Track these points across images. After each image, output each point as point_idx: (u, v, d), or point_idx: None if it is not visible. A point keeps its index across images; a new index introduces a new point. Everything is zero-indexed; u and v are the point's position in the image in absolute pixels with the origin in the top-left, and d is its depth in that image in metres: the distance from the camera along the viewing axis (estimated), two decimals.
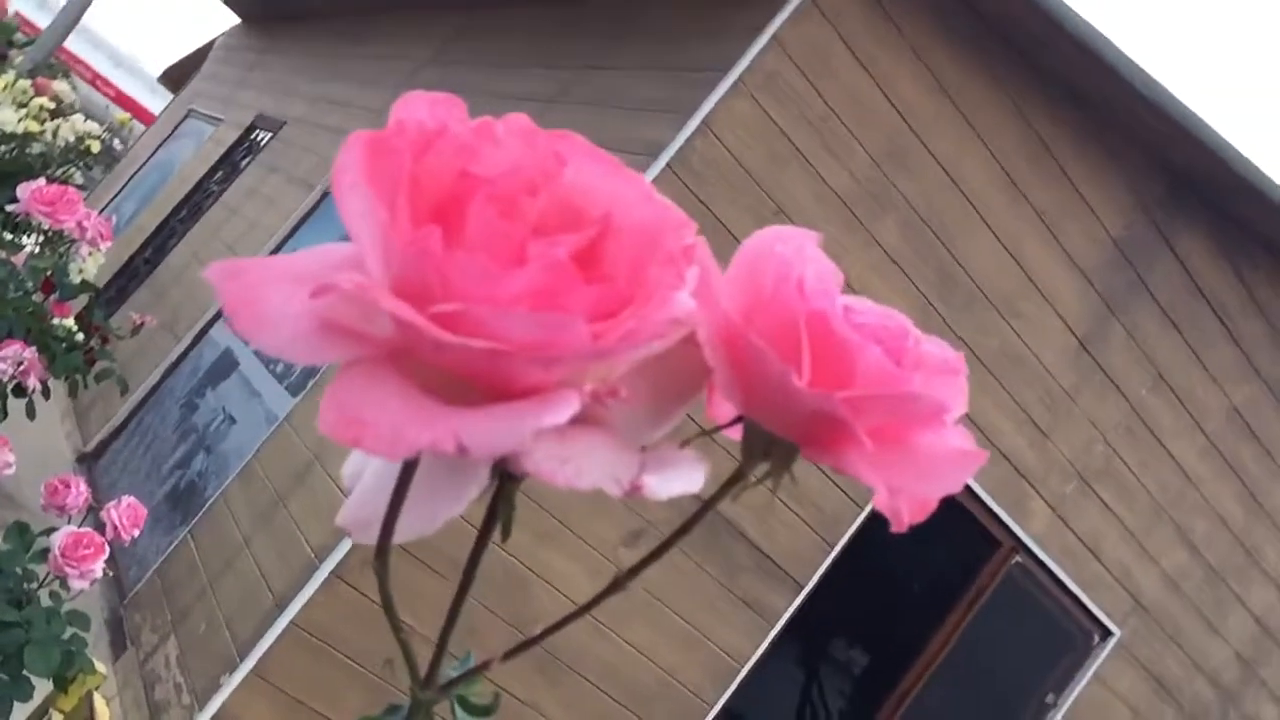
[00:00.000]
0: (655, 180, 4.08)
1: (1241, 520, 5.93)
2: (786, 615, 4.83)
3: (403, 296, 0.38)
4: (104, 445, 6.88)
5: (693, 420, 0.50)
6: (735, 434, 0.50)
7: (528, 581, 4.20)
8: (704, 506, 0.51)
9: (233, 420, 5.65)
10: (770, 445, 0.49)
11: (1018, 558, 5.35)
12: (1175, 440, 5.59)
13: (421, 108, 0.42)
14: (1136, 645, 5.77)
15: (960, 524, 5.32)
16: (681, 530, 0.53)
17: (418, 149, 0.40)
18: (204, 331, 6.92)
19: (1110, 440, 5.40)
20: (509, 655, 0.54)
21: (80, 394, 3.42)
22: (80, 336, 2.85)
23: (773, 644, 4.85)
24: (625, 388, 0.43)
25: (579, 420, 0.43)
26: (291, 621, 3.95)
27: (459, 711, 0.57)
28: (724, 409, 0.50)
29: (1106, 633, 5.69)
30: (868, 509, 4.86)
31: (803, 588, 4.83)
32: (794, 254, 0.48)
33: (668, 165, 4.12)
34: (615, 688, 4.56)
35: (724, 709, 4.82)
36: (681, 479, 0.45)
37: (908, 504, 0.47)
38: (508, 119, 0.43)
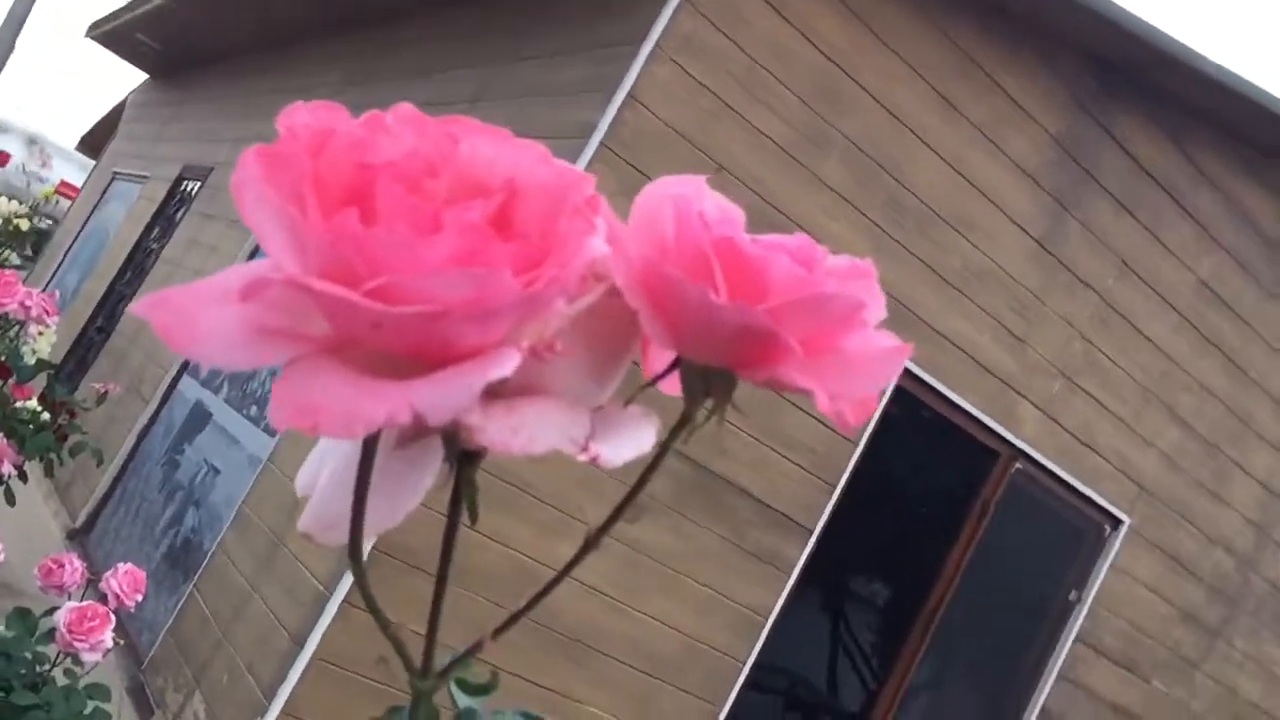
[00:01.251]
0: (592, 159, 4.09)
1: (1228, 389, 5.99)
2: (801, 562, 4.86)
3: (330, 279, 0.38)
4: (92, 518, 6.85)
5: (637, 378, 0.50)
6: (673, 387, 0.52)
7: (538, 575, 4.20)
8: (659, 453, 0.51)
9: (216, 470, 5.63)
10: (708, 379, 0.50)
11: (1017, 465, 5.39)
12: (1149, 323, 5.64)
13: (306, 114, 0.42)
14: (1147, 528, 5.83)
15: (956, 442, 5.35)
16: (640, 483, 0.54)
17: (313, 150, 0.41)
18: (171, 389, 6.90)
19: (1086, 334, 5.44)
20: (499, 632, 0.55)
21: (58, 472, 3.40)
22: (46, 415, 2.83)
23: (792, 592, 4.88)
24: (563, 344, 0.44)
25: (525, 391, 0.45)
26: (313, 656, 3.95)
27: (458, 694, 0.58)
28: (658, 363, 0.52)
29: (1116, 522, 5.75)
30: (862, 444, 4.89)
31: (812, 532, 4.86)
32: (690, 192, 0.49)
33: (601, 144, 4.12)
34: (644, 661, 4.58)
35: (756, 663, 4.85)
36: (632, 442, 0.46)
37: (848, 406, 0.48)
38: (395, 109, 0.44)
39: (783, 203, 4.50)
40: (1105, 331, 5.51)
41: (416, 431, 0.46)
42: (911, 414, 5.25)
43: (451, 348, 0.40)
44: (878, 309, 0.50)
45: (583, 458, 0.44)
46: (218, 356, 0.40)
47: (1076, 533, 5.81)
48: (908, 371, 4.92)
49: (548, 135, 4.46)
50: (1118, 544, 5.76)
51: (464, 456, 0.47)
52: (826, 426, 4.77)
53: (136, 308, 0.39)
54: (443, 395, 0.38)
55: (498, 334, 0.40)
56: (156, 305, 0.39)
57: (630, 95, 4.18)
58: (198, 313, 0.40)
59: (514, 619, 0.56)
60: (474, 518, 0.50)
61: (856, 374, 0.49)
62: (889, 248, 4.79)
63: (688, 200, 0.48)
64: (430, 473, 0.47)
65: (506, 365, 0.40)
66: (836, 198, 4.66)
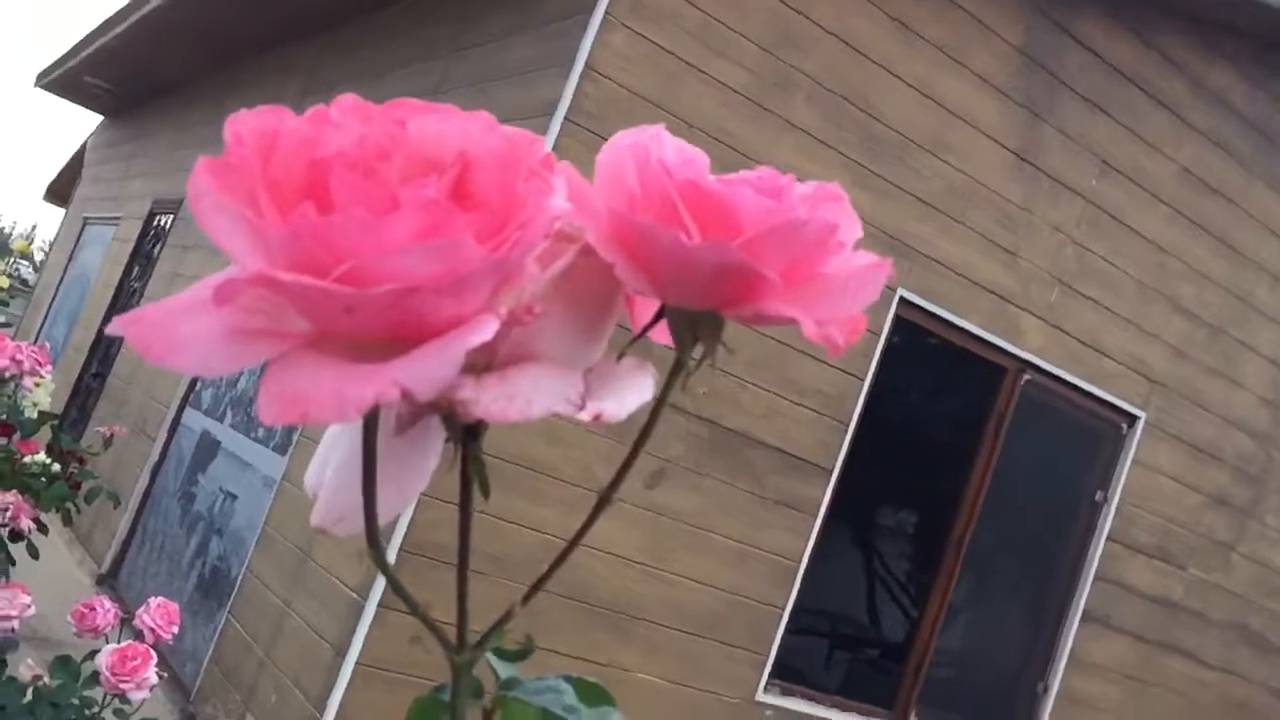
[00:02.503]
0: (559, 135, 4.08)
1: (1225, 271, 5.99)
2: (825, 502, 4.87)
3: (299, 272, 0.39)
4: (118, 561, 6.88)
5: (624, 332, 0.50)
6: (663, 336, 0.52)
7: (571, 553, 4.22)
8: (655, 409, 0.52)
9: (233, 496, 5.65)
10: (695, 323, 0.50)
11: (1026, 377, 5.40)
12: (1138, 217, 5.63)
13: (251, 119, 0.42)
14: (1164, 421, 5.85)
15: (962, 363, 5.37)
16: (644, 434, 0.53)
17: (262, 153, 0.41)
18: (175, 423, 6.91)
19: (1076, 238, 5.44)
20: (527, 598, 0.55)
21: (76, 520, 3.42)
22: (56, 466, 2.83)
23: (821, 533, 4.89)
24: (541, 307, 0.44)
25: (516, 360, 0.46)
26: (356, 663, 3.97)
27: (496, 662, 0.59)
28: (644, 314, 0.52)
29: (1132, 418, 5.76)
30: (869, 379, 4.89)
31: (831, 472, 4.87)
32: (650, 141, 0.49)
33: (566, 118, 4.11)
34: (686, 622, 4.61)
35: (795, 608, 4.87)
36: (633, 391, 0.46)
37: (836, 329, 0.48)
38: (336, 101, 0.44)
39: (756, 152, 4.49)
40: (1095, 232, 5.51)
41: (412, 413, 0.47)
42: (914, 342, 5.25)
43: (429, 323, 0.40)
44: (852, 229, 0.50)
45: (585, 416, 0.44)
46: (197, 364, 0.40)
47: (1094, 435, 5.82)
48: (905, 300, 4.92)
49: (511, 116, 4.45)
50: (1136, 440, 5.78)
51: (466, 432, 0.48)
52: (833, 367, 4.78)
53: (113, 327, 0.40)
54: (427, 367, 0.38)
55: (473, 304, 0.40)
56: (132, 322, 0.40)
57: (588, 66, 4.17)
58: (174, 324, 0.40)
59: (538, 585, 0.56)
60: (485, 492, 0.50)
61: (839, 296, 0.49)
62: (869, 181, 4.78)
63: (646, 149, 0.48)
64: (434, 453, 0.47)
65: (485, 331, 0.40)
66: (809, 139, 4.65)
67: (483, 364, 0.47)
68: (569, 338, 0.48)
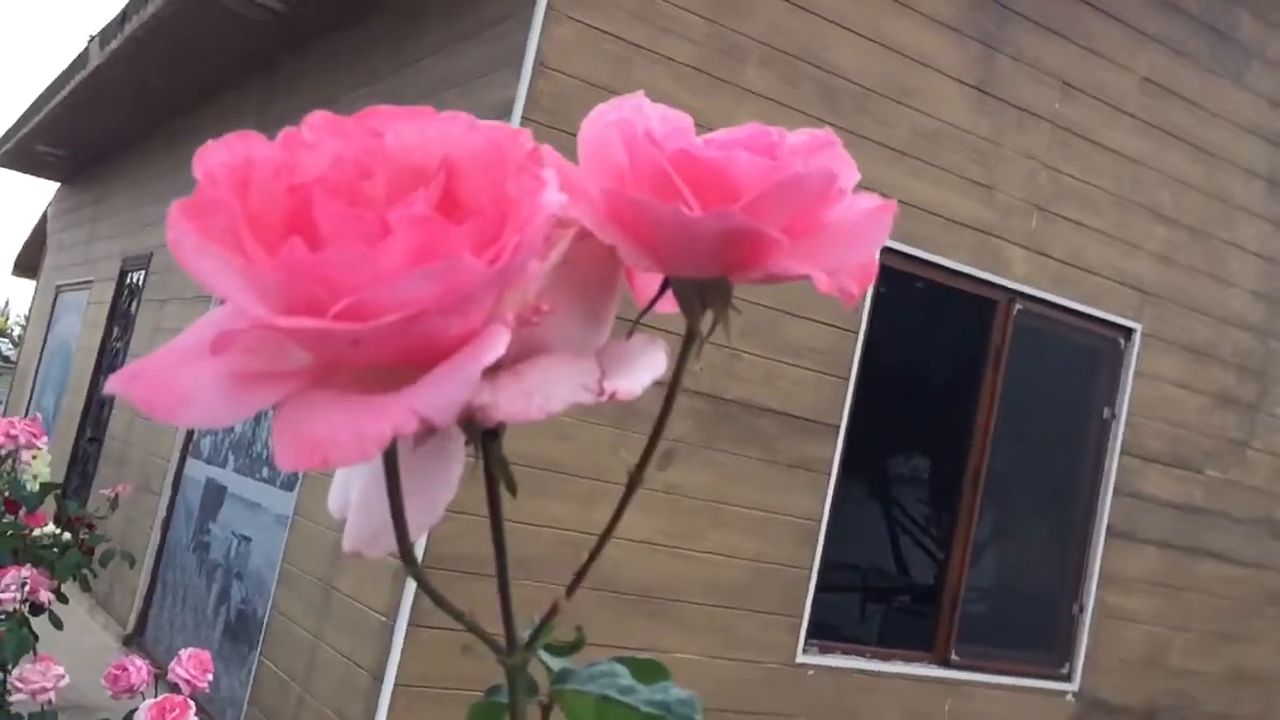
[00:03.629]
0: None
1: (1199, 174, 5.99)
2: (837, 459, 4.87)
3: (298, 315, 0.37)
4: (142, 620, 6.87)
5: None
6: (669, 306, 0.51)
7: (593, 544, 4.21)
8: (674, 381, 0.51)
9: (247, 539, 5.64)
10: (703, 291, 0.49)
11: (1018, 307, 5.39)
12: (1105, 133, 5.63)
13: (220, 152, 0.41)
14: (1160, 329, 5.85)
15: (953, 302, 5.37)
16: (665, 411, 0.52)
17: (237, 189, 0.39)
18: (178, 475, 6.90)
19: (1048, 163, 5.44)
20: (571, 591, 0.55)
21: (94, 585, 3.41)
22: (66, 535, 2.83)
23: (837, 490, 4.90)
24: (547, 302, 0.44)
25: (524, 356, 0.44)
26: (395, 684, 3.97)
27: (549, 658, 0.58)
28: (648, 288, 0.51)
29: (1128, 332, 5.77)
30: (863, 331, 4.89)
31: (838, 428, 4.87)
32: (632, 113, 0.48)
33: (524, 117, 4.10)
34: (718, 596, 4.61)
35: (822, 567, 4.87)
36: (646, 367, 0.45)
37: (848, 278, 0.47)
38: (307, 120, 0.42)
39: (716, 123, 4.43)
40: (1066, 154, 5.50)
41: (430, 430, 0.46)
42: (903, 289, 5.25)
43: (438, 343, 0.39)
44: (850, 174, 0.48)
45: (603, 399, 0.43)
46: (205, 416, 0.38)
47: (1093, 354, 5.82)
48: (889, 249, 4.91)
49: None
50: (1135, 352, 5.78)
51: (487, 435, 0.47)
52: (825, 325, 4.77)
53: (111, 385, 0.38)
54: (443, 393, 0.37)
55: (479, 316, 0.39)
56: (132, 379, 0.38)
57: (539, 63, 4.15)
58: (174, 377, 0.39)
59: (580, 577, 0.57)
60: (513, 490, 0.50)
61: (848, 244, 0.47)
62: (838, 137, 4.76)
63: (631, 123, 0.46)
64: (458, 460, 0.46)
65: (498, 345, 0.38)
66: (767, 103, 4.63)
67: (495, 362, 0.46)
68: (576, 324, 0.47)
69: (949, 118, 5.13)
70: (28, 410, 11.69)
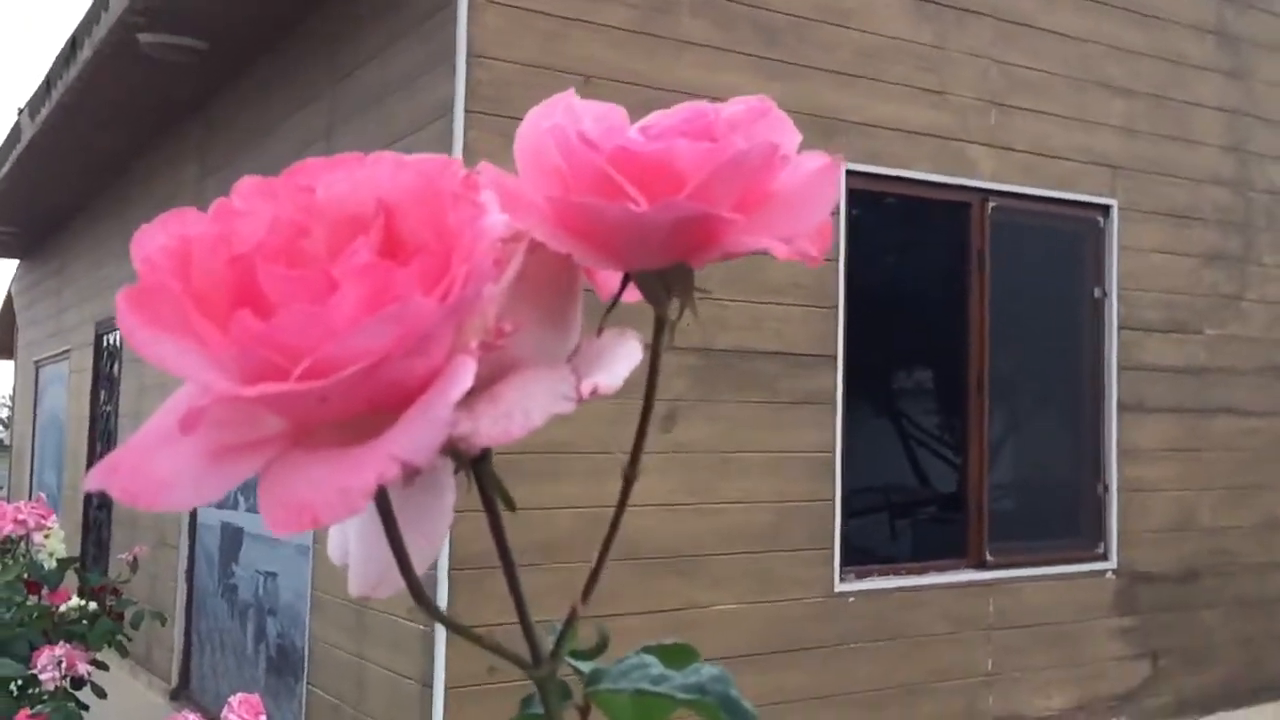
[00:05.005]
0: (467, 129, 4.05)
1: (1148, 40, 5.97)
2: (839, 388, 4.87)
3: (260, 383, 0.37)
4: (184, 673, 6.90)
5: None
6: (635, 295, 0.51)
7: (610, 517, 4.22)
8: (652, 370, 0.50)
9: (272, 575, 5.66)
10: (665, 280, 0.49)
11: (991, 204, 5.38)
12: (1048, 16, 5.61)
13: (156, 235, 0.41)
14: (1136, 201, 5.85)
15: (926, 212, 5.37)
16: (648, 399, 0.52)
17: (179, 270, 0.39)
18: (193, 525, 6.90)
19: (996, 57, 5.42)
20: (586, 594, 0.56)
21: (131, 648, 3.42)
22: (93, 605, 2.84)
23: (845, 418, 4.90)
24: (509, 321, 0.44)
25: (498, 376, 0.45)
26: (445, 688, 3.99)
27: (576, 664, 0.58)
28: (610, 283, 0.51)
29: (1105, 209, 5.77)
30: (843, 257, 4.88)
31: (835, 357, 4.87)
32: (563, 117, 0.47)
33: (467, 111, 4.08)
34: (745, 543, 4.63)
35: (844, 494, 4.88)
36: (622, 359, 0.46)
37: (808, 242, 0.47)
38: (236, 188, 0.42)
39: (664, 81, 4.45)
40: (1012, 44, 5.47)
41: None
42: (875, 209, 5.24)
43: (405, 385, 0.39)
44: (791, 138, 0.48)
45: (586, 398, 0.44)
46: (190, 497, 0.38)
47: (1074, 237, 5.82)
48: (851, 172, 4.89)
49: (413, 128, 4.41)
50: (1115, 227, 5.77)
51: (475, 460, 0.47)
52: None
53: (90, 483, 0.38)
54: (419, 434, 0.37)
55: (441, 352, 0.39)
56: (109, 473, 0.38)
57: (472, 54, 4.12)
58: (150, 464, 0.38)
59: (594, 577, 0.57)
60: (510, 506, 0.50)
61: (799, 209, 0.47)
62: (778, 70, 4.75)
63: (563, 129, 0.46)
64: (449, 489, 0.46)
65: (465, 378, 0.38)
66: (706, 50, 4.61)
67: (467, 390, 0.46)
68: (543, 335, 0.47)
69: (890, 31, 5.10)
70: (31, 490, 11.68)
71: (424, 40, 4.43)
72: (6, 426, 14.78)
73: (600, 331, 0.48)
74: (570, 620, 0.55)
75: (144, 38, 5.78)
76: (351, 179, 0.42)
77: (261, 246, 0.39)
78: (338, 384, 0.37)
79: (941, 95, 5.23)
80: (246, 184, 0.41)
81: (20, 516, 2.67)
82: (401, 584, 0.46)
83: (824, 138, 4.82)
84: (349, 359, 0.36)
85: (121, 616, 2.90)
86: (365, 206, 0.41)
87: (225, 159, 6.71)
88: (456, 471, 0.47)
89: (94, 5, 6.16)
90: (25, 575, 2.75)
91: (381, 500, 0.44)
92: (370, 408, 0.39)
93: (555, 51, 4.28)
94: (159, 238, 0.40)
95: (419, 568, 0.46)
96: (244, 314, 0.36)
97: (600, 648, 0.60)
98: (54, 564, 2.78)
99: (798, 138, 0.49)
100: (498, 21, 4.19)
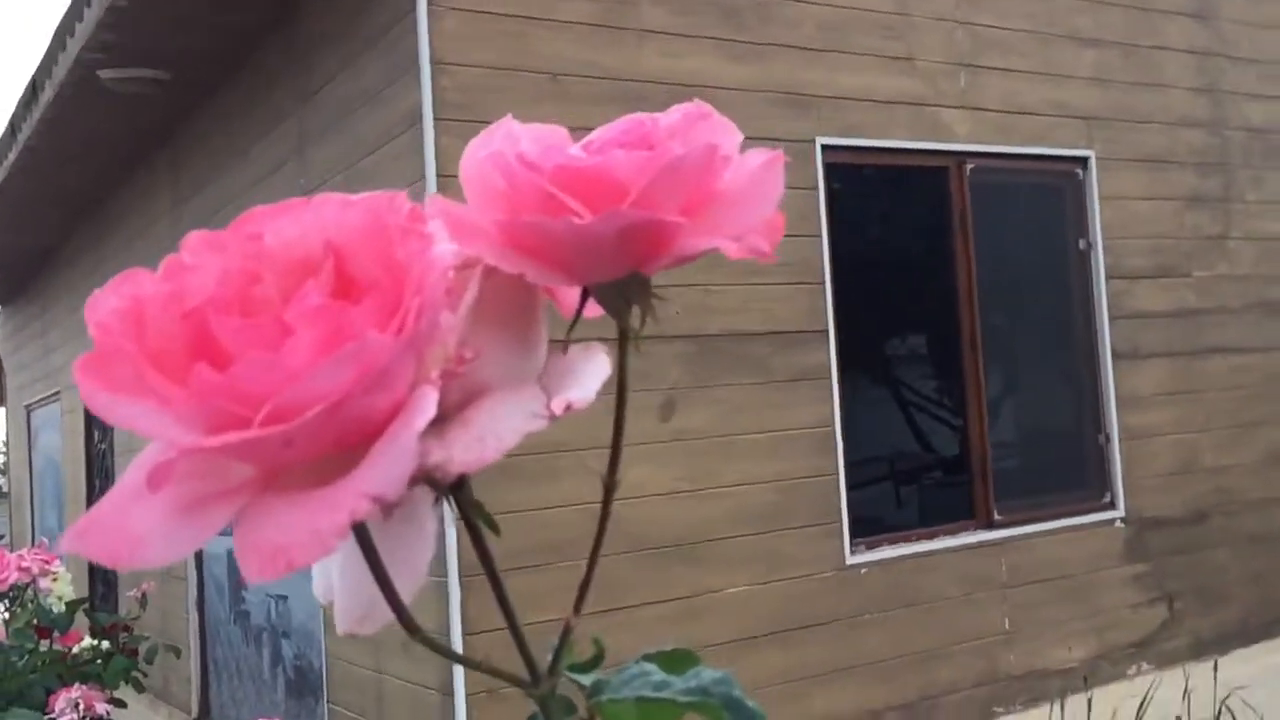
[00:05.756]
0: (438, 137, 4.03)
1: None
2: (833, 362, 4.87)
3: (223, 433, 0.38)
4: (204, 703, 6.92)
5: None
6: (596, 310, 0.51)
7: (615, 512, 4.21)
8: (620, 380, 0.50)
9: (283, 598, 5.66)
10: (623, 290, 0.49)
11: (970, 166, 5.38)
12: None
13: (108, 299, 0.41)
14: (1113, 150, 5.86)
15: (905, 179, 5.38)
16: (620, 401, 0.54)
17: (133, 332, 0.40)
18: (199, 555, 6.89)
19: (961, 18, 5.42)
20: (578, 607, 0.56)
21: (148, 683, 3.42)
22: (105, 644, 2.84)
23: (842, 391, 4.90)
24: (470, 348, 0.44)
25: (468, 402, 0.45)
26: (465, 694, 3.99)
27: (575, 678, 0.59)
28: (571, 299, 0.51)
29: (1083, 161, 5.77)
30: (825, 231, 4.88)
31: (826, 332, 4.87)
32: (502, 143, 0.48)
33: (436, 119, 4.06)
34: (752, 525, 4.63)
35: (847, 466, 4.88)
36: (592, 373, 0.46)
37: (756, 238, 0.47)
38: (184, 243, 0.42)
39: (630, 73, 4.45)
40: (977, 5, 5.47)
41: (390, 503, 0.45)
42: (853, 181, 5.24)
43: (369, 421, 0.39)
44: (731, 137, 0.48)
45: (557, 412, 0.44)
46: (164, 553, 0.38)
47: (1054, 191, 5.82)
48: (827, 147, 4.89)
49: (384, 139, 4.40)
50: (1095, 178, 5.77)
51: (453, 488, 0.47)
52: (787, 236, 4.67)
53: (65, 546, 0.39)
54: (386, 469, 0.37)
55: (402, 385, 0.39)
56: (83, 535, 0.38)
57: (435, 62, 4.11)
58: (123, 524, 0.39)
59: (584, 591, 0.57)
60: (495, 530, 0.50)
61: (746, 206, 0.47)
62: (746, 52, 4.74)
63: (503, 155, 0.46)
64: (430, 519, 0.46)
65: (427, 409, 0.39)
66: (670, 38, 4.60)
67: (439, 416, 0.46)
68: (508, 357, 0.47)
69: (853, 2, 5.09)
70: (34, 535, 11.66)
71: (386, 52, 4.42)
72: (4, 473, 14.74)
73: (566, 348, 0.48)
74: (565, 633, 0.55)
75: (105, 73, 5.75)
76: (298, 223, 0.42)
77: (213, 299, 0.39)
78: (301, 427, 0.37)
79: (910, 62, 5.22)
80: (194, 239, 0.42)
81: (24, 564, 2.67)
82: (389, 616, 0.46)
83: (796, 115, 4.82)
84: (309, 401, 0.37)
85: (135, 652, 2.90)
86: (314, 249, 0.41)
87: (197, 186, 6.69)
88: (436, 501, 0.47)
89: (52, 46, 6.13)
90: (35, 621, 2.75)
91: (361, 535, 0.44)
92: (337, 447, 0.39)
93: (519, 52, 4.27)
94: (111, 301, 0.40)
95: (406, 599, 0.46)
96: (201, 367, 0.37)
97: (597, 660, 0.60)
98: (63, 607, 2.78)
99: (738, 137, 0.49)
100: (458, 27, 4.18)
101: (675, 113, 0.48)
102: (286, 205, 0.43)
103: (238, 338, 0.38)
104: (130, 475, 0.40)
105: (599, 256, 0.46)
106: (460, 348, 0.44)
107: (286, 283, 0.41)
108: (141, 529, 0.38)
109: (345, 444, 0.39)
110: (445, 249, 0.41)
